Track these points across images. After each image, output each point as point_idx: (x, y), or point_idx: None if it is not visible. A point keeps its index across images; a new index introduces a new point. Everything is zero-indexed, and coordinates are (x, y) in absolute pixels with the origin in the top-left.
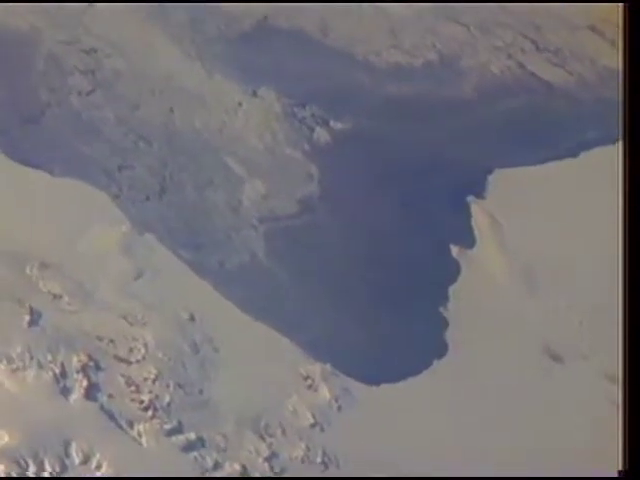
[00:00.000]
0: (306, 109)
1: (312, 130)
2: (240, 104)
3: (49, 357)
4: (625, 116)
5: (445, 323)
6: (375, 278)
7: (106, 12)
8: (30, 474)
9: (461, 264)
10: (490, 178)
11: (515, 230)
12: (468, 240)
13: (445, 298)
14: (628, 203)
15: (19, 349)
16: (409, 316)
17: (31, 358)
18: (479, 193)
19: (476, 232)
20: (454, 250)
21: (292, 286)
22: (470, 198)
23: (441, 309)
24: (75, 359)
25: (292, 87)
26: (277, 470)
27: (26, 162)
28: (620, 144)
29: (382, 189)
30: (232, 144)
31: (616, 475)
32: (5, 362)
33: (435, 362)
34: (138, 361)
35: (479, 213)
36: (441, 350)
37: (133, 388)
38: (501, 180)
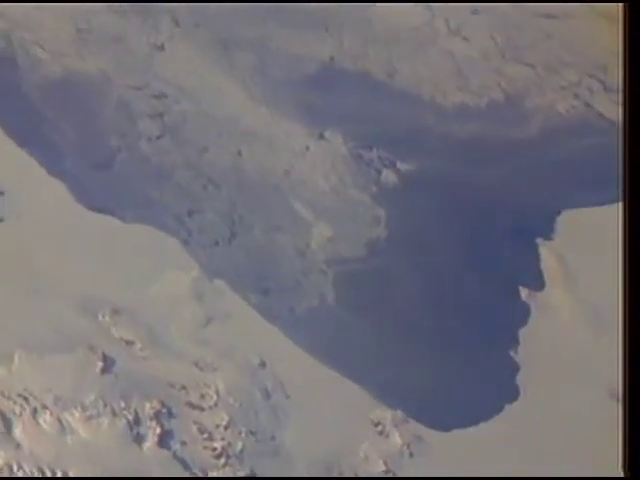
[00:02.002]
0: (373, 151)
1: (379, 172)
2: (307, 147)
3: (122, 404)
4: None
5: (516, 367)
6: (444, 321)
7: (174, 57)
8: None
9: (531, 307)
10: (558, 219)
11: (585, 272)
12: (537, 282)
13: (515, 341)
14: None
15: (93, 396)
16: (479, 360)
17: (105, 405)
18: (547, 235)
19: (545, 274)
20: (523, 293)
21: (361, 330)
22: (538, 240)
23: (511, 353)
24: (148, 406)
25: (358, 129)
26: None
27: (98, 208)
28: None
29: (449, 231)
30: (299, 187)
31: None
32: (79, 410)
33: (507, 407)
34: (210, 407)
35: (548, 255)
36: (512, 394)
37: (206, 435)
38: (569, 221)
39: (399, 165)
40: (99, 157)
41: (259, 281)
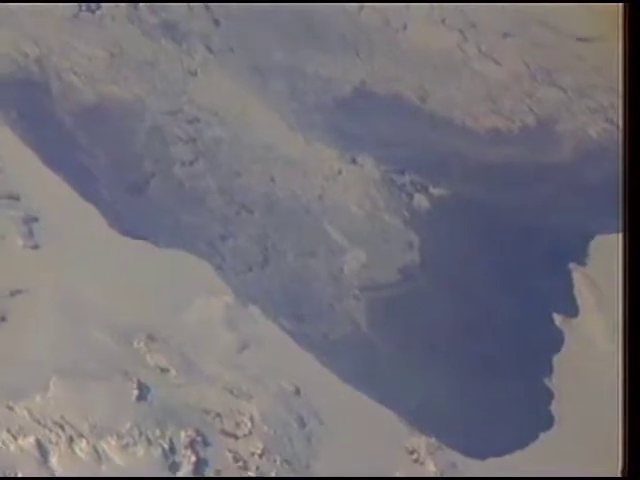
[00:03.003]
0: (405, 175)
1: (411, 197)
2: (339, 171)
3: (157, 432)
4: None
5: (550, 394)
6: (478, 347)
7: (208, 82)
8: None
9: (565, 333)
10: (591, 244)
11: (619, 297)
12: (571, 308)
13: (549, 368)
14: None
15: (128, 425)
16: (513, 387)
17: (140, 434)
18: (580, 260)
19: (579, 300)
20: (557, 319)
21: (395, 357)
22: (572, 265)
23: (545, 380)
24: (183, 434)
25: (390, 153)
26: None
27: (132, 233)
28: None
29: (482, 256)
30: (332, 212)
31: None
32: (115, 438)
33: (541, 434)
34: (245, 435)
35: (581, 280)
36: (547, 422)
37: (241, 463)
38: (603, 246)
39: (431, 189)
40: (132, 182)
41: (292, 307)
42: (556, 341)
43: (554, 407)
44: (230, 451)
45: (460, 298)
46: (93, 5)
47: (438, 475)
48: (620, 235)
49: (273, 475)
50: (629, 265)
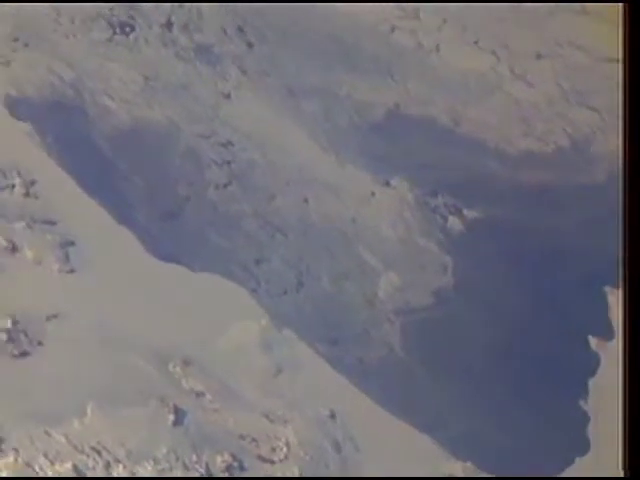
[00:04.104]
0: (438, 198)
1: (445, 219)
2: (373, 194)
3: (194, 457)
4: None
5: (586, 417)
6: (513, 371)
7: (241, 105)
8: None
9: (600, 356)
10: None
11: None
12: (607, 331)
13: (585, 391)
14: None
15: (165, 450)
16: (549, 410)
17: (177, 459)
18: (615, 282)
19: (614, 323)
20: (593, 342)
21: (429, 381)
22: (607, 288)
23: (581, 403)
24: (219, 459)
25: (424, 176)
26: None
27: (167, 258)
28: None
29: (517, 279)
30: (366, 235)
31: None
32: (152, 463)
33: (577, 460)
34: (281, 460)
35: (616, 303)
36: (583, 446)
37: None
38: None
39: (465, 212)
40: (168, 206)
41: (327, 331)
42: (592, 364)
43: (590, 431)
44: (266, 476)
45: (494, 321)
46: (127, 28)
47: None
48: None
49: None
50: None
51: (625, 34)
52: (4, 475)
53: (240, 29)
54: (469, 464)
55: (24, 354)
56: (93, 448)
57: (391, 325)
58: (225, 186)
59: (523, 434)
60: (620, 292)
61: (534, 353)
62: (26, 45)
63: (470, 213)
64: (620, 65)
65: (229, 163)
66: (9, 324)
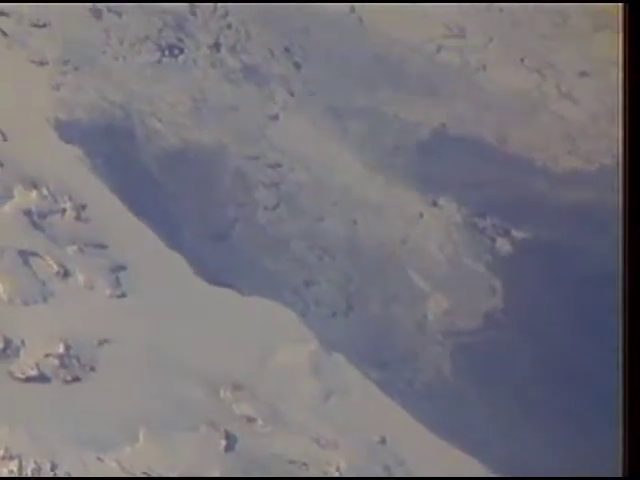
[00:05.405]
0: (486, 219)
1: (493, 240)
2: (421, 215)
3: None
4: None
5: None
6: (561, 394)
7: (289, 126)
8: None
9: None
10: None
11: None
12: None
13: None
14: None
15: (216, 475)
16: (598, 437)
17: None
18: None
19: None
20: None
21: (479, 404)
22: None
23: None
24: None
25: (471, 196)
26: None
27: (217, 281)
28: None
29: (566, 300)
30: (414, 256)
31: None
32: None
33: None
34: None
35: None
36: None
37: None
38: None
39: (513, 233)
40: (217, 228)
41: (376, 354)
42: None
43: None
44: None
45: (543, 344)
46: (175, 50)
47: None
48: None
49: None
50: None
51: (625, 34)
52: None
53: (287, 50)
54: None
55: (76, 379)
56: (145, 473)
57: (440, 348)
58: (274, 208)
59: (571, 457)
60: None
61: (583, 377)
62: (76, 68)
63: (518, 234)
64: (620, 68)
65: (277, 185)
66: (61, 349)
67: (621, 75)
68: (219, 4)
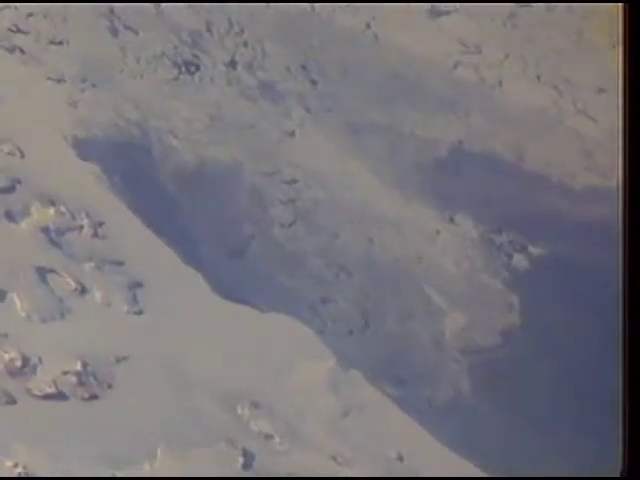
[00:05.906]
0: (503, 235)
1: (510, 257)
2: (437, 231)
3: None
4: None
5: None
6: (581, 411)
7: (305, 142)
8: None
9: None
10: None
11: None
12: None
13: None
14: None
15: None
16: (615, 451)
17: None
18: None
19: None
20: None
21: (497, 422)
22: None
23: None
24: None
25: (488, 212)
26: None
27: (234, 298)
28: None
29: (584, 317)
30: (431, 273)
31: None
32: None
33: None
34: None
35: None
36: None
37: None
38: None
39: (530, 249)
40: (233, 245)
41: (394, 371)
42: None
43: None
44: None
45: (563, 360)
46: (192, 67)
47: None
48: None
49: None
50: None
51: (625, 34)
52: None
53: (303, 67)
54: None
55: (94, 397)
56: None
57: (458, 365)
58: (290, 225)
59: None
60: None
61: (603, 396)
62: (94, 86)
63: (535, 250)
64: (620, 68)
65: (294, 201)
66: (79, 366)
67: (621, 78)
68: (234, 21)
